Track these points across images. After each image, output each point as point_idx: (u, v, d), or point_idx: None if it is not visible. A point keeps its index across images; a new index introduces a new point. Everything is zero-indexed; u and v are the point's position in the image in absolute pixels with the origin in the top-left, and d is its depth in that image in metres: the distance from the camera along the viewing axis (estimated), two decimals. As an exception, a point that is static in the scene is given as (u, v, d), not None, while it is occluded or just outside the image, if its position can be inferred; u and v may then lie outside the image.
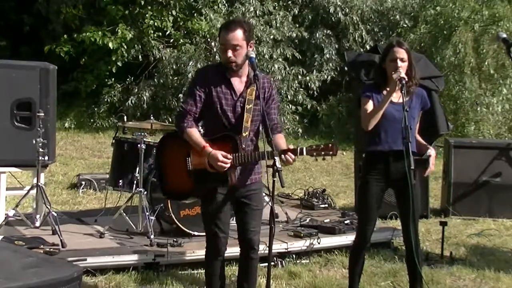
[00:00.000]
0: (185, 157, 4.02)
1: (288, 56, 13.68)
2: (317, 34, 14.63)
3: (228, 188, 4.01)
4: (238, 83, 4.02)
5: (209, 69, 4.16)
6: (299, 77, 13.80)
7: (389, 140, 4.37)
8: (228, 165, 3.88)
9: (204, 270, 5.14)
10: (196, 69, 12.71)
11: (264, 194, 6.65)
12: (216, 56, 13.15)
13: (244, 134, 3.97)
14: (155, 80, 13.84)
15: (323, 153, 3.89)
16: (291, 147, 3.91)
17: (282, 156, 3.85)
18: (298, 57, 13.95)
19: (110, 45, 13.45)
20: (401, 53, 4.34)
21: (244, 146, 3.97)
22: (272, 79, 12.48)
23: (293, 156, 3.85)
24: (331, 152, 3.89)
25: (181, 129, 4.00)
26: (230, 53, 3.91)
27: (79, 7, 14.39)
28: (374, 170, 4.45)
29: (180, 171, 4.04)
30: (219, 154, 3.87)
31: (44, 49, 14.01)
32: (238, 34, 3.90)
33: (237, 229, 4.16)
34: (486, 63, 12.67)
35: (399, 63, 4.31)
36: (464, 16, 12.85)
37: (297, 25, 14.20)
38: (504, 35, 4.37)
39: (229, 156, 3.88)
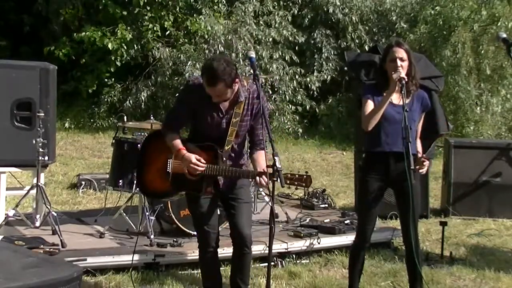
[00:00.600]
0: (167, 158, 4.14)
1: (286, 58, 13.68)
2: (316, 34, 14.63)
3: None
4: (225, 102, 4.08)
5: (197, 85, 4.10)
6: (297, 76, 13.80)
7: (389, 141, 4.37)
8: (201, 169, 3.99)
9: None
10: (195, 70, 12.75)
11: (264, 194, 6.69)
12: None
13: (226, 148, 4.07)
14: (153, 78, 13.86)
15: (296, 183, 3.98)
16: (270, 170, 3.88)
17: (257, 178, 3.97)
18: (296, 61, 13.94)
19: (110, 45, 13.45)
20: (400, 52, 4.33)
21: (224, 159, 4.07)
22: (270, 79, 12.55)
23: (265, 180, 3.93)
24: (304, 184, 3.98)
25: (164, 132, 4.16)
26: (216, 100, 4.01)
27: (78, 8, 14.39)
28: (374, 170, 4.46)
29: (160, 170, 4.16)
30: (193, 156, 4.00)
31: (43, 49, 14.02)
32: (221, 88, 3.93)
33: (229, 226, 4.23)
34: (484, 63, 12.66)
35: (399, 62, 4.30)
36: (463, 16, 12.84)
37: (295, 30, 14.18)
38: (504, 35, 4.37)
39: (202, 160, 4.00)
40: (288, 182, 3.96)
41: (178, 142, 4.08)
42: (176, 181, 4.12)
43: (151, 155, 4.30)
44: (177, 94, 4.24)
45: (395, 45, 4.37)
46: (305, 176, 3.98)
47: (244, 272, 4.25)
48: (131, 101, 13.55)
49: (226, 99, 4.04)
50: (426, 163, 4.29)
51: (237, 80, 3.99)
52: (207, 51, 13.17)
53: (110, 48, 13.46)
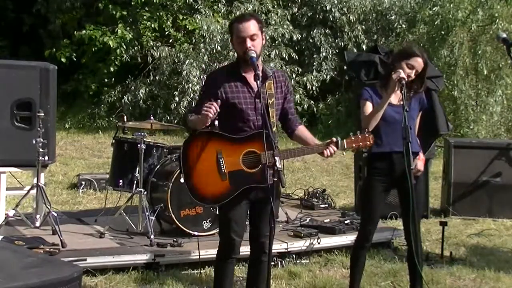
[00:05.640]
0: (217, 159, 3.79)
1: (285, 56, 13.68)
2: (315, 33, 14.63)
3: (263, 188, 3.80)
4: (254, 80, 3.82)
5: (218, 72, 3.98)
6: (294, 75, 13.81)
7: (391, 142, 4.38)
8: (211, 111, 3.63)
9: (204, 270, 5.18)
10: (193, 68, 12.77)
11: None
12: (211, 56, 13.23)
13: (273, 129, 3.81)
14: (151, 76, 13.89)
15: (361, 144, 3.87)
16: (334, 139, 3.85)
17: (326, 150, 3.84)
18: (295, 58, 13.96)
19: (111, 43, 13.47)
20: (420, 65, 4.36)
21: (276, 141, 3.79)
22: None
23: (335, 149, 3.83)
24: (368, 143, 3.88)
25: (186, 121, 3.87)
26: (249, 43, 3.79)
27: (77, 9, 14.42)
28: (377, 170, 4.46)
29: (213, 175, 3.80)
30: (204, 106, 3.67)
31: (43, 49, 14.09)
32: (253, 24, 3.83)
33: (249, 231, 4.07)
34: (480, 64, 12.65)
35: (413, 74, 4.34)
36: (460, 16, 12.83)
37: (293, 27, 14.18)
38: (504, 35, 4.36)
39: (215, 104, 3.66)
40: (354, 145, 3.87)
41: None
42: (234, 178, 3.78)
43: (196, 163, 3.86)
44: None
45: (420, 55, 4.37)
46: (366, 135, 3.87)
47: (260, 280, 4.04)
48: (129, 98, 13.56)
49: (257, 49, 3.81)
50: (417, 169, 4.38)
51: (264, 35, 3.91)
52: (203, 50, 13.20)
53: (111, 46, 13.48)
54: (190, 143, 3.91)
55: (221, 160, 3.79)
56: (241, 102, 3.84)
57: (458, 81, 12.62)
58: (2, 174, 5.96)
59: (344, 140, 3.87)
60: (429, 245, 6.31)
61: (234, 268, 4.21)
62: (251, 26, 3.81)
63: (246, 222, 4.17)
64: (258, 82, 3.77)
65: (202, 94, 3.98)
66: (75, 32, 13.95)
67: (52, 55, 13.82)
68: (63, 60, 13.77)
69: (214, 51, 13.20)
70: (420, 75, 4.41)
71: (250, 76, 3.86)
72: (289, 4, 14.91)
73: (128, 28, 13.83)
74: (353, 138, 3.88)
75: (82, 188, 8.27)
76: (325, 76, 14.35)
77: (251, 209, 4.02)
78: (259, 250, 4.02)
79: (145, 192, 5.80)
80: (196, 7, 13.99)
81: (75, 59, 14.12)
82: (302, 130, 4.05)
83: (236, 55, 4.01)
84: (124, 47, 13.71)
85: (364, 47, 14.19)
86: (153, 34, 13.95)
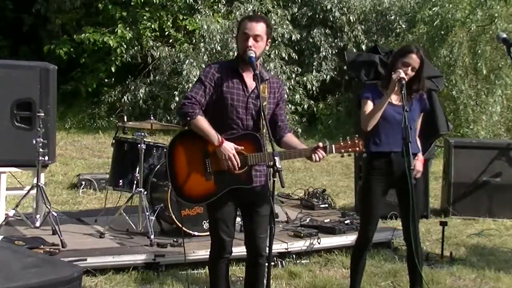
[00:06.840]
0: (203, 159, 3.81)
1: (284, 56, 13.68)
2: (314, 33, 14.62)
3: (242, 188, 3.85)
4: (250, 79, 3.85)
5: (219, 64, 4.01)
6: (294, 75, 13.81)
7: (391, 141, 4.38)
8: (237, 168, 3.76)
9: (204, 270, 5.18)
10: (193, 68, 12.78)
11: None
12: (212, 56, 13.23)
13: (263, 131, 3.84)
14: (151, 76, 13.89)
15: (350, 149, 3.89)
16: (320, 144, 3.86)
17: (314, 154, 3.83)
18: (295, 58, 13.96)
19: (111, 42, 13.48)
20: (417, 63, 4.34)
21: (263, 143, 3.83)
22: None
23: (324, 154, 3.83)
24: (357, 149, 3.89)
25: (190, 116, 3.78)
26: (251, 42, 3.81)
27: (77, 10, 14.43)
28: (376, 170, 4.46)
29: (199, 174, 3.83)
30: (232, 153, 3.74)
31: (43, 48, 14.06)
32: (262, 26, 3.84)
33: (244, 235, 4.05)
34: (479, 64, 12.65)
35: (409, 71, 4.32)
36: (460, 16, 12.83)
37: (293, 27, 14.19)
38: (504, 35, 4.36)
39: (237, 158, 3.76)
40: (342, 151, 3.89)
41: (214, 131, 3.75)
42: (220, 178, 3.81)
43: (181, 162, 3.88)
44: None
45: (415, 52, 4.36)
46: (356, 141, 3.87)
47: (258, 282, 4.04)
48: (129, 98, 13.56)
49: (258, 51, 3.82)
50: (417, 170, 4.39)
51: (269, 41, 3.90)
52: (203, 49, 13.20)
53: (111, 45, 13.49)
54: (176, 143, 3.95)
55: (206, 160, 3.82)
56: (234, 98, 3.86)
57: (457, 81, 12.62)
58: (2, 174, 5.96)
59: (333, 145, 3.89)
60: (429, 245, 6.32)
61: (229, 267, 4.20)
62: (258, 27, 3.84)
63: (240, 222, 4.17)
64: (258, 82, 3.77)
65: (202, 77, 3.93)
66: (75, 36, 13.94)
67: (51, 51, 13.81)
68: (62, 55, 13.75)
69: (214, 51, 13.21)
70: (417, 73, 4.39)
71: (247, 75, 3.89)
72: (289, 4, 14.91)
73: (128, 28, 13.83)
74: (342, 143, 3.89)
75: (82, 188, 8.27)
76: (325, 76, 14.37)
77: (243, 212, 4.04)
78: (254, 253, 4.02)
79: (145, 192, 5.80)
80: (196, 7, 13.99)
81: (74, 56, 14.12)
82: (290, 136, 4.05)
83: (236, 53, 4.02)
84: (124, 46, 13.72)
85: (364, 47, 14.21)
86: (153, 34, 13.95)
